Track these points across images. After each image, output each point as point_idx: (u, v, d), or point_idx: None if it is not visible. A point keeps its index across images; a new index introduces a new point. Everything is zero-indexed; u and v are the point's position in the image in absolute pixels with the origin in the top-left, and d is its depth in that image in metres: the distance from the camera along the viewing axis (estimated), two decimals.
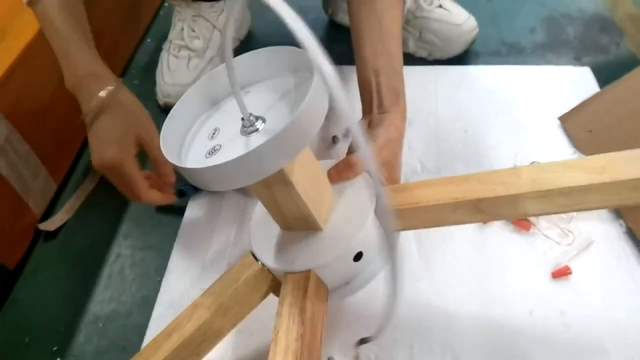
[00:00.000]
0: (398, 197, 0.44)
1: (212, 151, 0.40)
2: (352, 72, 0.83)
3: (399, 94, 0.54)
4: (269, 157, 0.35)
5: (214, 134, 0.42)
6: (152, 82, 0.86)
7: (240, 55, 0.43)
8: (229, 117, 0.43)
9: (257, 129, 0.39)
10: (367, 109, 0.55)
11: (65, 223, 0.71)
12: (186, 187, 0.68)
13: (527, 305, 0.54)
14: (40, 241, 0.70)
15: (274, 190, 0.41)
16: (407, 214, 0.43)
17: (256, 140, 0.38)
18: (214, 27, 0.85)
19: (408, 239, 0.62)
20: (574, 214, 0.60)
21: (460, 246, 0.60)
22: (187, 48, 0.82)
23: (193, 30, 0.83)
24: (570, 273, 0.55)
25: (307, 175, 0.42)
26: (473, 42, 0.86)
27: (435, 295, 0.57)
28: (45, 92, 0.72)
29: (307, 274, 0.42)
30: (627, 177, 0.36)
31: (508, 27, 0.92)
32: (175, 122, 0.42)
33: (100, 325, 0.60)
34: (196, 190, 0.68)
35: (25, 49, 0.67)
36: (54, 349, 0.58)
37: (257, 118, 0.39)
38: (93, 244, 0.69)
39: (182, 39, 0.82)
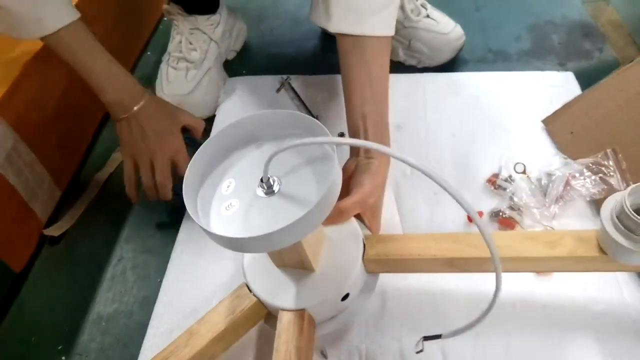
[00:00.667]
0: (385, 248, 0.51)
1: (229, 207, 0.43)
2: (339, 81, 0.87)
3: (384, 138, 0.58)
4: (295, 231, 0.39)
5: (228, 187, 0.44)
6: (152, 92, 0.89)
7: (262, 112, 0.46)
8: (242, 170, 0.45)
9: (273, 191, 0.42)
10: (354, 152, 0.58)
11: (69, 228, 0.74)
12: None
13: (510, 299, 0.57)
14: (46, 246, 0.72)
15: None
16: (391, 263, 0.50)
17: (276, 204, 0.41)
18: (211, 39, 0.88)
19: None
20: (557, 210, 0.63)
21: None
22: (185, 60, 0.85)
23: (190, 43, 0.86)
24: None
25: (316, 238, 0.49)
26: (460, 49, 0.89)
27: (423, 290, 0.59)
28: (50, 103, 0.75)
29: (301, 313, 0.47)
30: (573, 254, 0.45)
31: (495, 35, 0.95)
32: (192, 174, 0.44)
33: (104, 324, 0.62)
34: None
35: (32, 60, 0.71)
36: (59, 347, 0.61)
37: (273, 179, 0.43)
38: (96, 248, 0.71)
39: (180, 51, 0.85)
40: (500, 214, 0.63)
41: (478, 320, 0.42)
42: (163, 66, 0.88)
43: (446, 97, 0.82)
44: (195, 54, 0.86)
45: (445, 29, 0.87)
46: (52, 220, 0.75)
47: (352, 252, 0.50)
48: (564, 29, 0.95)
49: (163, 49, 0.91)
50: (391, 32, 0.60)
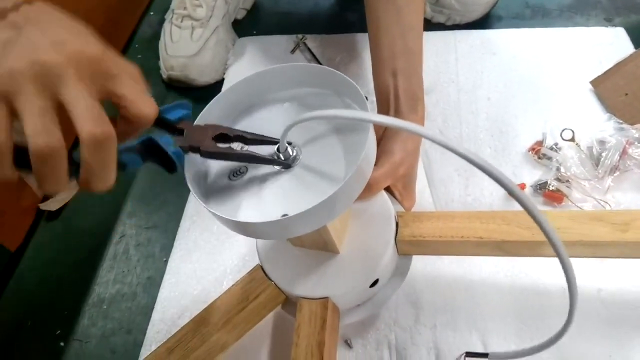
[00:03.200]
0: (422, 228, 0.43)
1: (238, 173, 0.36)
2: (361, 40, 0.79)
3: (417, 100, 0.50)
4: (318, 215, 0.32)
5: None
6: (156, 57, 0.82)
7: (281, 66, 0.39)
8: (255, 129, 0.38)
9: (292, 163, 0.35)
10: (382, 111, 0.51)
11: (67, 202, 0.68)
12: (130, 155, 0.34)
13: (562, 283, 0.50)
14: (42, 222, 0.67)
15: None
16: (428, 245, 0.43)
17: (296, 180, 0.35)
18: None
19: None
20: (611, 183, 0.55)
21: None
22: (190, 17, 0.77)
23: None
24: None
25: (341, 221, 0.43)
26: (494, 5, 0.80)
27: (458, 272, 0.53)
28: None
29: (324, 302, 0.41)
30: None
31: None
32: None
33: (105, 307, 0.57)
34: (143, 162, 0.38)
35: None
36: (57, 332, 0.56)
37: (292, 146, 0.36)
38: (96, 223, 0.66)
39: (185, 8, 0.78)
40: (547, 186, 0.56)
41: (551, 342, 0.36)
42: (166, 25, 0.80)
43: (480, 57, 0.73)
44: (202, 10, 0.78)
45: None
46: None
47: (383, 232, 0.43)
48: None
49: (167, 9, 0.83)
50: None
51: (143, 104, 0.30)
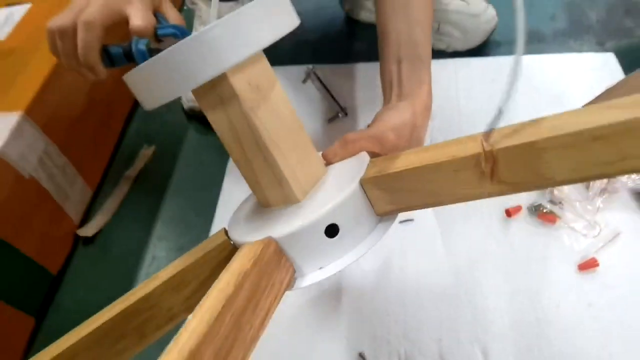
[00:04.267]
0: (391, 164, 0.36)
1: None
2: (370, 69, 0.85)
3: (422, 83, 0.49)
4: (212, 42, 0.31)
5: None
6: None
7: None
8: None
9: None
10: (386, 99, 0.51)
11: (102, 228, 0.74)
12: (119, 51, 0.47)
13: (554, 298, 0.55)
14: (80, 246, 0.73)
15: (231, 116, 0.36)
16: (396, 182, 0.35)
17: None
18: None
19: (434, 233, 0.63)
20: (600, 204, 0.60)
21: (485, 240, 0.61)
22: None
23: None
24: (597, 265, 0.56)
25: (277, 117, 0.37)
26: (492, 31, 0.85)
27: (461, 289, 0.58)
28: (78, 102, 0.75)
29: (267, 242, 0.34)
30: None
31: (528, 14, 0.89)
32: None
33: None
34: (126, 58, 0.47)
35: (57, 63, 0.70)
36: None
37: None
38: (129, 247, 0.72)
39: None
40: (541, 208, 0.61)
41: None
42: None
43: (480, 84, 0.79)
44: None
45: (476, 11, 0.83)
46: (85, 220, 0.75)
47: (350, 175, 0.38)
48: (603, 5, 0.90)
49: None
50: None
51: (140, 20, 0.44)
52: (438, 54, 0.86)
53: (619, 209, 0.60)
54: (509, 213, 0.62)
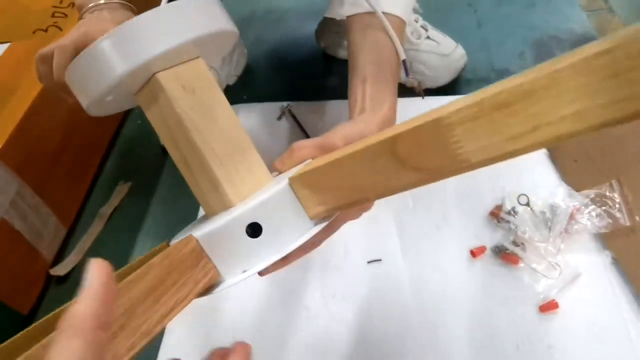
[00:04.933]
0: (314, 162, 0.36)
1: None
2: (345, 106, 0.87)
3: (383, 102, 0.49)
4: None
5: None
6: None
7: None
8: None
9: None
10: (350, 116, 0.51)
11: (75, 266, 0.74)
12: None
13: (514, 340, 0.56)
14: (52, 285, 0.73)
15: (166, 118, 0.36)
16: (321, 180, 0.34)
17: None
18: (210, 67, 0.88)
19: (401, 275, 0.64)
20: (562, 245, 0.62)
21: (451, 280, 0.62)
22: None
23: None
24: (557, 307, 0.57)
25: (213, 122, 0.36)
26: (462, 69, 0.88)
27: (426, 329, 0.59)
28: (53, 140, 0.76)
29: (186, 240, 0.33)
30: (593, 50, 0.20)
31: (497, 52, 0.93)
32: None
33: None
34: None
35: (33, 104, 0.71)
36: None
37: None
38: None
39: None
40: (504, 249, 0.62)
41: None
42: None
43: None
44: None
45: (446, 50, 0.86)
46: (58, 258, 0.75)
47: (281, 178, 0.37)
48: (568, 43, 0.93)
49: None
50: (404, 14, 0.57)
51: None
52: (409, 91, 0.88)
53: (579, 251, 0.62)
54: (473, 254, 0.63)
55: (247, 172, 0.38)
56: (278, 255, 0.34)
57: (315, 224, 0.36)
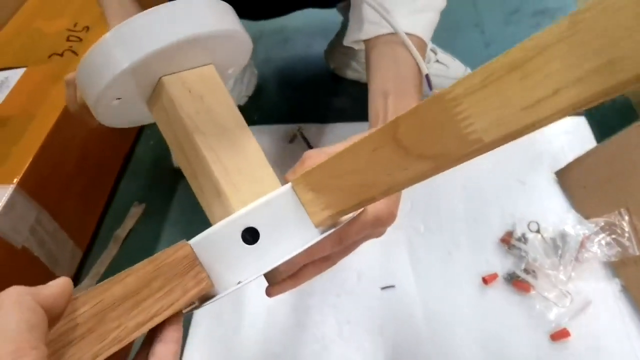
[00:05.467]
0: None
1: None
2: (357, 128, 0.88)
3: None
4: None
5: None
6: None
7: None
8: None
9: None
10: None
11: None
12: None
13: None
14: None
15: (172, 123, 0.36)
16: (324, 179, 0.31)
17: None
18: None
19: (414, 301, 0.65)
20: (572, 273, 0.63)
21: (463, 307, 0.64)
22: None
23: None
24: (568, 335, 0.58)
25: (219, 128, 0.35)
26: None
27: (438, 356, 0.60)
28: (68, 167, 0.77)
29: (179, 246, 0.31)
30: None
31: None
32: None
33: None
34: None
35: (51, 130, 0.72)
36: None
37: None
38: None
39: None
40: (515, 276, 0.64)
41: None
42: None
43: None
44: None
45: (455, 74, 0.87)
46: (74, 281, 0.76)
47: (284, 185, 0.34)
48: None
49: None
50: (424, 35, 0.56)
51: None
52: None
53: (589, 279, 0.63)
54: (485, 281, 0.64)
55: (254, 182, 0.35)
56: (275, 262, 0.31)
57: (321, 233, 0.33)
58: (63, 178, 0.76)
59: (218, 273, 0.31)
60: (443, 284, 0.66)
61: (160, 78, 0.36)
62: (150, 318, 0.27)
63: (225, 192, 0.34)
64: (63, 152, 0.76)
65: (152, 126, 0.99)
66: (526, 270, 0.64)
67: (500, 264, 0.66)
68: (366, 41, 0.58)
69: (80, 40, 0.88)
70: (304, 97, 0.99)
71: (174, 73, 0.36)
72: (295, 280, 0.38)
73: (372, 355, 0.62)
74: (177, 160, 0.38)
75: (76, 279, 0.77)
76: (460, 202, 0.75)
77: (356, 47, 0.63)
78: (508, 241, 0.67)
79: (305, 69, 1.03)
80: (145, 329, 0.27)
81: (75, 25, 0.91)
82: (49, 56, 0.85)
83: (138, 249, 0.81)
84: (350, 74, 0.98)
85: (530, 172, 0.76)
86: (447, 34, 1.01)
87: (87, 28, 0.90)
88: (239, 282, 0.31)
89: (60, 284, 0.26)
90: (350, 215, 0.35)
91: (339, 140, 0.39)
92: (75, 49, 0.86)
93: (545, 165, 0.76)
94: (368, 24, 0.56)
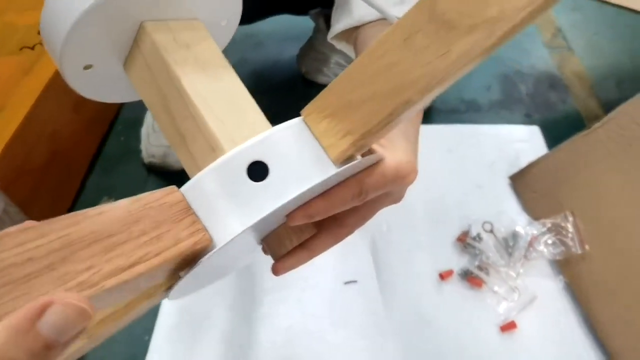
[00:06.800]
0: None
1: None
2: None
3: (408, 139, 0.40)
4: None
5: None
6: (138, 139, 0.92)
7: None
8: None
9: None
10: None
11: None
12: None
13: (479, 357, 0.62)
14: None
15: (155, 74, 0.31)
16: (342, 96, 0.27)
17: None
18: None
19: (376, 295, 0.68)
20: (521, 270, 0.68)
21: (421, 301, 0.67)
22: None
23: None
24: (515, 327, 0.63)
25: (200, 68, 0.31)
26: (433, 100, 0.94)
27: (397, 348, 0.63)
28: (37, 161, 0.77)
29: (169, 190, 0.27)
30: None
31: (466, 85, 1.00)
32: None
33: None
34: None
35: (21, 123, 0.73)
36: None
37: None
38: None
39: None
40: (470, 273, 0.68)
41: None
42: (149, 114, 0.90)
43: (420, 151, 0.86)
44: None
45: None
46: None
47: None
48: (531, 79, 1.00)
49: None
50: None
51: None
52: None
53: (536, 275, 0.68)
54: (442, 277, 0.69)
55: (251, 132, 0.29)
56: (291, 194, 0.26)
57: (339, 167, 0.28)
58: (32, 171, 0.76)
59: (216, 222, 0.26)
60: (403, 279, 0.70)
61: (141, 23, 0.31)
62: (131, 265, 0.22)
63: (222, 146, 0.29)
64: (32, 145, 0.76)
65: (123, 122, 1.01)
66: (479, 267, 0.68)
67: (456, 261, 0.71)
68: (355, 29, 0.60)
69: None
70: (277, 100, 1.01)
71: (158, 20, 0.31)
72: (308, 252, 0.34)
73: (335, 347, 0.65)
74: (161, 125, 0.32)
75: None
76: (422, 204, 0.79)
77: (337, 45, 0.65)
78: (464, 240, 0.72)
79: (278, 72, 1.06)
80: (125, 276, 0.22)
81: None
82: (20, 49, 0.85)
83: None
84: (321, 79, 1.01)
85: (487, 176, 0.81)
86: None
87: None
88: (242, 225, 0.26)
89: None
90: (371, 159, 0.31)
91: None
92: None
93: (502, 170, 0.81)
94: (357, 10, 0.58)
